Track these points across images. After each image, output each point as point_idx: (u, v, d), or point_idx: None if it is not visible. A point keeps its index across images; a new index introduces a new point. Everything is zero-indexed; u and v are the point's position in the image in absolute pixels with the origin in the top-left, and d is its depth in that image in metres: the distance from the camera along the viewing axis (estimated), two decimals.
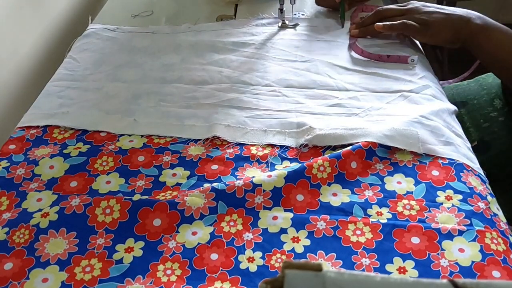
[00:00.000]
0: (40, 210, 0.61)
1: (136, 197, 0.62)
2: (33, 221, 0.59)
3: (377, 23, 0.89)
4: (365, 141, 0.67)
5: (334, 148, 0.69)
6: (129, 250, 0.57)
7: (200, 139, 0.72)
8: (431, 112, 0.73)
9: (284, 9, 0.98)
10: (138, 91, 0.82)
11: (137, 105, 0.79)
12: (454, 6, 1.87)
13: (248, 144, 0.71)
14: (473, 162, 0.68)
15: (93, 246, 0.58)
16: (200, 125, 0.75)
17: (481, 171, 0.67)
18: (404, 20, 0.87)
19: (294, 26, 0.99)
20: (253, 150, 0.70)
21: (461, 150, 0.69)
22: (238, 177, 0.66)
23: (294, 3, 0.97)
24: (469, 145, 0.72)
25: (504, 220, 0.61)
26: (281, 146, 0.70)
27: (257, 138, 0.72)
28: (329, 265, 0.55)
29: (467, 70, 0.96)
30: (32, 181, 0.65)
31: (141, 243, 0.58)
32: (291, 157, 0.69)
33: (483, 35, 0.83)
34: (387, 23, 0.89)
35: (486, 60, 0.85)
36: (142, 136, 0.73)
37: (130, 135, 0.73)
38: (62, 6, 1.13)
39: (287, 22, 0.99)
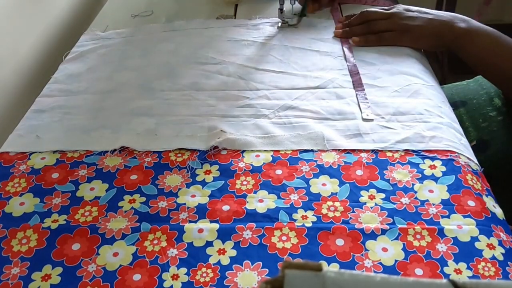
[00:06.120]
0: None
1: (54, 224, 0.60)
2: None
3: (352, 36, 0.91)
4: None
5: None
6: (46, 278, 0.54)
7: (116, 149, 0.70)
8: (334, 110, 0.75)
9: (284, 9, 0.98)
10: (41, 106, 0.79)
11: (40, 120, 0.76)
12: (454, 6, 1.86)
13: (166, 151, 0.69)
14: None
15: (7, 277, 0.54)
16: (107, 136, 0.72)
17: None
18: (380, 34, 0.89)
19: (294, 26, 0.99)
20: (172, 157, 0.68)
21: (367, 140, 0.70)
22: (159, 186, 0.64)
23: (294, 3, 0.98)
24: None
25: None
26: (200, 150, 0.69)
27: (167, 144, 0.70)
28: (255, 274, 0.54)
29: (467, 70, 0.96)
30: None
31: (59, 269, 0.55)
32: (211, 160, 0.68)
33: (468, 38, 0.84)
34: (362, 38, 0.90)
35: (472, 63, 0.86)
36: (54, 152, 0.70)
37: (41, 152, 0.70)
38: (63, 5, 1.13)
39: (287, 22, 0.99)
